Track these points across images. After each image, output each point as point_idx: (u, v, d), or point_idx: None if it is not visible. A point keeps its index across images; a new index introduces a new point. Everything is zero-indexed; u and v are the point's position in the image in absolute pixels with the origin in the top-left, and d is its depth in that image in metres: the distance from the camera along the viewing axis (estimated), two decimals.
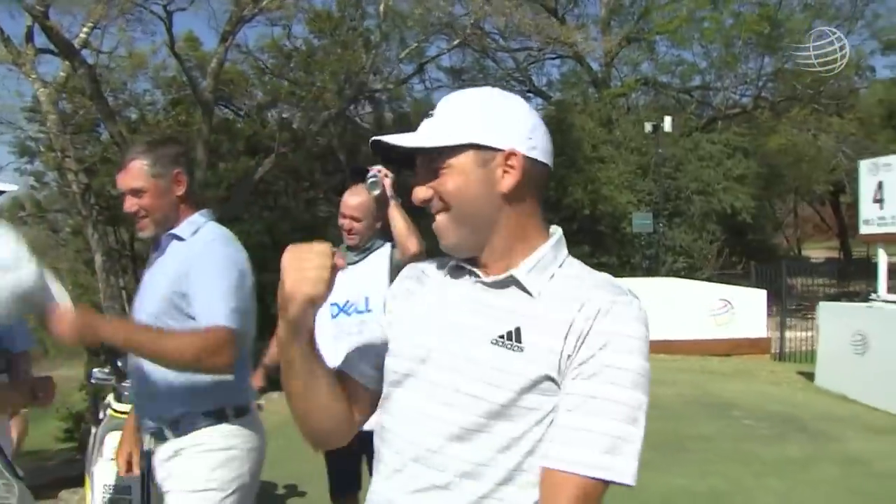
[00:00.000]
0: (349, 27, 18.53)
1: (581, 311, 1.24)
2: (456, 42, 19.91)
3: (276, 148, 13.19)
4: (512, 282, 1.31)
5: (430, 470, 1.27)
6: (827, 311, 9.94)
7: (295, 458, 3.80)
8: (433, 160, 1.31)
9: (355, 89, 13.97)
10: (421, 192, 1.33)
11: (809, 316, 15.86)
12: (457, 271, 1.39)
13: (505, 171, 1.29)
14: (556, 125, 19.96)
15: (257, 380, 3.59)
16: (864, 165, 9.61)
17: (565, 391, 1.23)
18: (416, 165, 1.36)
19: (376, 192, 3.17)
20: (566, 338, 1.23)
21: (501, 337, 1.26)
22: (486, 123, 1.29)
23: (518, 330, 1.26)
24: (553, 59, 25.18)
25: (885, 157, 9.59)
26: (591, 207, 18.27)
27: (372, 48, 15.05)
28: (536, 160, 1.31)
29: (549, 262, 1.32)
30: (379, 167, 3.19)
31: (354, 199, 3.34)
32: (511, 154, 1.28)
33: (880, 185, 9.21)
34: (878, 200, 9.28)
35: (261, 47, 20.83)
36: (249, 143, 19.33)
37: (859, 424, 7.67)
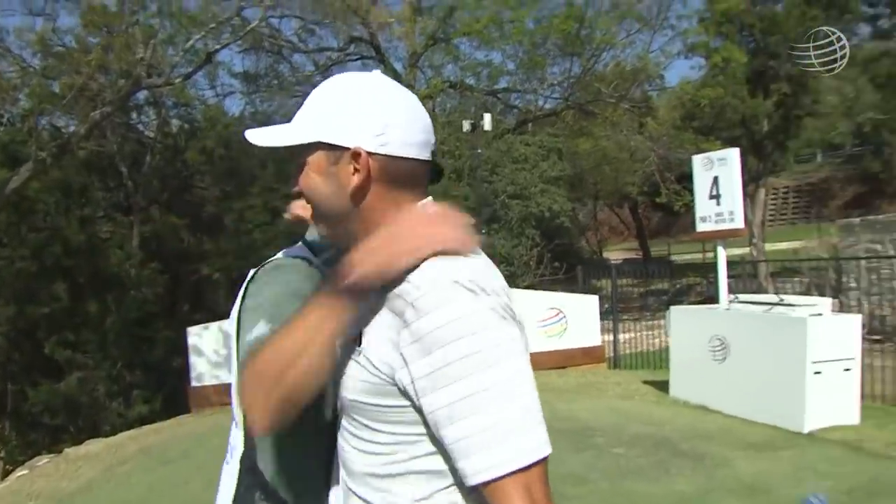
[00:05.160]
0: (127, 23, 16.22)
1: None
2: (242, 41, 18.21)
3: (33, 155, 10.84)
4: None
5: None
6: (680, 315, 9.13)
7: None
8: (296, 155, 1.28)
9: (130, 84, 11.90)
10: (293, 187, 1.31)
11: (626, 318, 15.58)
12: None
13: (355, 170, 1.23)
14: None
15: None
16: (698, 161, 8.88)
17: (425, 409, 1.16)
18: None
19: None
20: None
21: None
22: (336, 119, 1.24)
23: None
24: (355, 60, 23.79)
25: (718, 152, 9.00)
26: None
27: (150, 39, 13.01)
28: (391, 156, 1.24)
29: None
30: None
31: None
32: (356, 153, 1.22)
33: (715, 181, 8.57)
34: (714, 196, 8.65)
35: (26, 45, 18.00)
36: (8, 153, 16.31)
37: (736, 441, 6.82)
